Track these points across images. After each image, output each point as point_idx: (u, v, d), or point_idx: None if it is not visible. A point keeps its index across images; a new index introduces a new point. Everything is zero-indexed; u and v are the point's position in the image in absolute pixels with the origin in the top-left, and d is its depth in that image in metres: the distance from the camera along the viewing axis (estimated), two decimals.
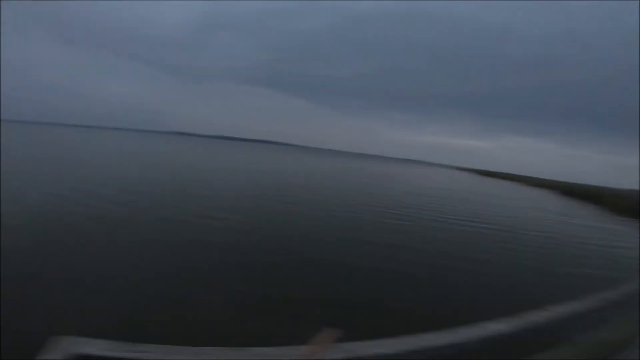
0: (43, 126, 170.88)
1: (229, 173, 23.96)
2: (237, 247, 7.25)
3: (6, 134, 49.62)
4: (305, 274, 6.11)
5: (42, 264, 5.51)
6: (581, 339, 2.10)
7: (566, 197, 36.75)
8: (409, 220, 12.02)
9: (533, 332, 1.83)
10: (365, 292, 5.61)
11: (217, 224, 8.78)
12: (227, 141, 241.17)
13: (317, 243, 8.10)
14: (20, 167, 16.05)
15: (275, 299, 4.97)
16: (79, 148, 35.30)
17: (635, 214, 22.44)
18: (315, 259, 6.97)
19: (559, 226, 14.99)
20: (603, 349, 2.02)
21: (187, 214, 9.54)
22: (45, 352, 1.17)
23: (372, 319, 4.68)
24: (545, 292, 6.37)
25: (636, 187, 47.02)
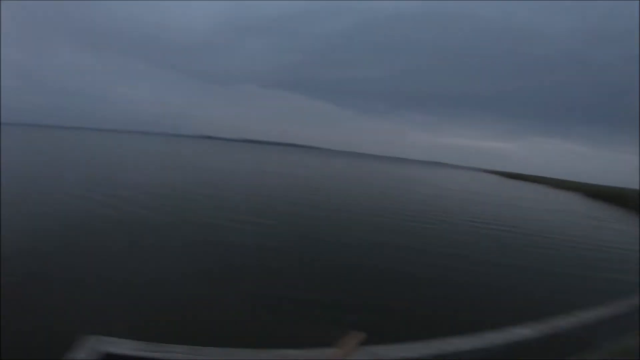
0: (70, 130, 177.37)
1: (252, 176, 25.08)
2: (262, 250, 7.45)
3: (31, 138, 52.59)
4: (330, 277, 6.25)
5: (63, 266, 5.73)
6: (607, 344, 2.06)
7: (591, 199, 36.81)
8: (435, 224, 12.20)
9: (559, 337, 1.82)
10: (390, 295, 5.70)
11: (240, 227, 9.03)
12: (251, 144, 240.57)
13: (342, 246, 8.27)
14: (42, 171, 17.11)
15: (299, 302, 5.06)
16: (103, 151, 36.98)
17: None
18: (340, 262, 7.16)
19: (583, 229, 15.00)
20: (629, 354, 2.00)
21: (211, 217, 9.94)
22: (73, 351, 1.22)
23: (397, 322, 4.70)
24: (571, 297, 6.36)
25: None
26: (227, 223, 9.32)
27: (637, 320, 2.17)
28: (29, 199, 10.29)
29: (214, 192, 14.76)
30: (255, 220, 9.94)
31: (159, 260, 6.31)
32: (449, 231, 11.30)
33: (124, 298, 4.79)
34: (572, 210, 23.92)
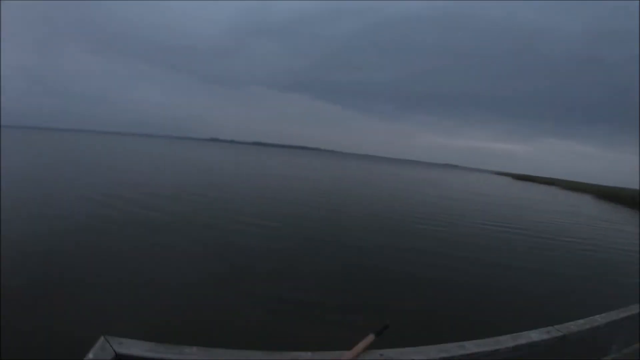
0: (77, 133, 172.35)
1: (259, 178, 25.35)
2: (271, 251, 7.51)
3: (39, 141, 53.06)
4: (339, 280, 6.27)
5: (71, 268, 5.80)
6: (619, 348, 2.07)
7: (602, 201, 36.72)
8: (444, 226, 12.17)
9: (571, 341, 1.79)
10: (396, 296, 5.76)
11: (248, 230, 9.09)
12: (260, 147, 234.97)
13: (350, 248, 8.32)
14: (49, 174, 17.16)
15: (310, 304, 5.10)
16: (110, 154, 37.41)
17: None
18: (349, 264, 7.19)
19: (593, 231, 14.85)
20: None
21: (220, 218, 10.07)
22: (90, 352, 1.21)
23: (409, 324, 4.60)
24: (582, 300, 6.36)
25: None
26: (235, 225, 9.42)
27: None
28: (42, 201, 10.50)
29: (222, 194, 14.94)
30: (264, 222, 10.03)
31: (167, 262, 6.42)
32: (459, 233, 11.29)
33: (133, 299, 4.89)
34: (582, 212, 23.81)
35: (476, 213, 16.66)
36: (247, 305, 4.98)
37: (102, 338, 1.27)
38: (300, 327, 4.49)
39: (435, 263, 7.73)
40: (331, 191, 20.50)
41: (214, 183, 18.98)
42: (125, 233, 7.93)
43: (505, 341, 1.64)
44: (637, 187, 43.11)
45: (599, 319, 1.97)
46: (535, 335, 1.71)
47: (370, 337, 1.54)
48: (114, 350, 1.23)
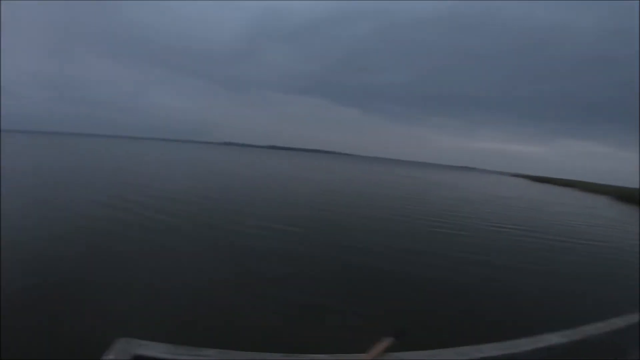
0: (97, 138, 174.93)
1: (278, 181, 25.43)
2: (290, 256, 7.53)
3: (58, 146, 54.23)
4: (357, 283, 6.30)
5: (89, 271, 5.89)
6: (638, 352, 2.02)
7: (621, 202, 36.53)
8: (465, 230, 12.09)
9: (588, 344, 1.77)
10: (420, 302, 5.73)
11: (267, 234, 9.15)
12: (276, 151, 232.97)
13: (367, 252, 8.29)
14: (67, 177, 17.66)
15: (328, 308, 5.13)
16: (129, 158, 38.10)
17: None
18: (366, 267, 7.19)
19: (613, 233, 14.92)
20: None
21: (238, 223, 10.10)
22: (107, 354, 1.23)
23: (426, 328, 4.66)
24: (598, 303, 6.31)
25: None
26: (254, 230, 9.47)
27: None
28: (55, 205, 10.77)
29: (237, 197, 15.25)
30: (279, 226, 10.12)
31: (185, 266, 6.50)
32: (476, 237, 11.31)
33: (152, 302, 4.95)
34: (600, 214, 23.74)
35: (495, 216, 16.71)
36: (262, 308, 5.03)
37: (120, 339, 1.31)
38: (316, 330, 4.51)
39: (453, 267, 7.72)
40: (345, 194, 20.81)
41: (227, 186, 19.37)
42: (138, 236, 8.12)
43: (523, 344, 1.64)
44: None
45: (619, 322, 1.93)
46: (553, 339, 1.70)
47: (387, 341, 1.57)
48: (132, 352, 1.27)
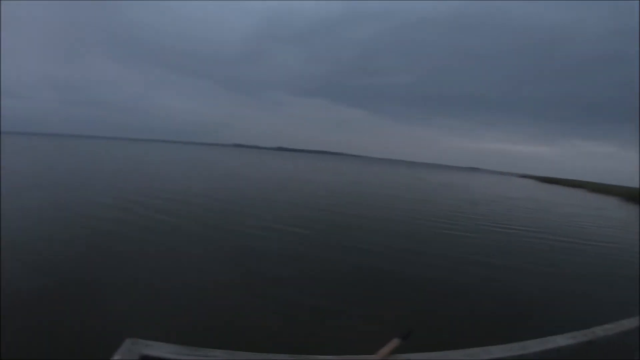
0: (107, 141, 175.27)
1: (286, 183, 25.46)
2: (296, 257, 7.52)
3: (68, 148, 54.73)
4: (364, 285, 6.26)
5: (97, 271, 5.91)
6: None
7: (630, 203, 36.37)
8: (473, 232, 11.98)
9: (597, 345, 1.75)
10: (429, 303, 5.69)
11: (273, 235, 9.13)
12: (284, 152, 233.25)
13: (375, 253, 8.24)
14: (77, 179, 17.65)
15: (335, 310, 5.09)
16: (139, 161, 38.08)
17: None
18: (374, 269, 7.15)
19: (624, 234, 14.73)
20: None
21: (247, 225, 10.01)
22: (116, 354, 1.23)
23: (435, 330, 4.59)
24: (606, 304, 6.26)
25: None
26: (260, 232, 9.42)
27: None
28: (64, 206, 10.82)
29: (245, 200, 15.06)
30: (290, 228, 10.03)
31: (190, 267, 6.50)
32: (486, 239, 11.17)
33: (159, 302, 4.95)
34: (609, 215, 23.62)
35: (503, 217, 16.61)
36: (272, 309, 5.02)
37: (127, 340, 1.31)
38: (323, 331, 4.51)
39: (461, 269, 7.66)
40: (352, 194, 20.78)
41: (236, 188, 19.39)
42: (143, 237, 8.12)
43: (532, 346, 1.62)
44: None
45: (627, 323, 1.91)
46: (562, 340, 1.69)
47: (395, 342, 1.56)
48: (140, 352, 1.27)
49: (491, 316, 5.50)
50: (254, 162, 55.45)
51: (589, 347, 1.74)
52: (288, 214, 12.43)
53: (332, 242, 9.07)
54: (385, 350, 1.51)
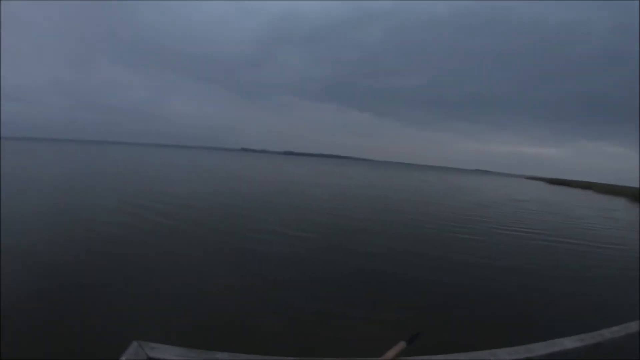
0: (114, 145, 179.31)
1: (293, 187, 25.41)
2: (301, 260, 7.49)
3: (76, 153, 55.34)
4: (368, 288, 6.21)
5: (103, 274, 5.91)
6: None
7: (638, 204, 36.09)
8: (483, 235, 11.84)
9: (611, 348, 1.74)
10: (426, 308, 5.62)
11: (278, 239, 9.07)
12: (293, 156, 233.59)
13: (380, 256, 8.20)
14: (85, 184, 17.82)
15: (341, 313, 5.06)
16: (148, 166, 38.04)
17: None
18: (378, 272, 7.10)
19: (633, 236, 14.39)
20: None
21: (252, 229, 9.92)
22: (123, 356, 1.24)
23: (442, 333, 4.60)
24: (622, 307, 6.15)
25: None
26: (264, 236, 9.37)
27: None
28: (69, 210, 10.95)
29: (251, 204, 15.00)
30: (293, 232, 9.98)
31: (192, 270, 6.51)
32: (493, 242, 11.07)
33: (165, 305, 4.96)
34: (618, 216, 23.37)
35: (512, 219, 16.45)
36: (274, 312, 5.00)
37: (134, 342, 1.31)
38: (331, 334, 4.47)
39: (471, 273, 7.55)
40: (358, 198, 20.78)
41: (244, 192, 19.37)
42: (149, 240, 8.16)
43: (538, 348, 1.61)
44: None
45: (635, 325, 1.89)
46: (568, 343, 1.68)
47: (401, 345, 1.55)
48: (147, 355, 1.27)
49: (497, 319, 5.45)
50: (261, 166, 55.86)
51: (596, 350, 1.71)
52: (295, 217, 12.47)
53: (336, 245, 9.05)
54: (391, 353, 1.51)
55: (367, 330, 4.60)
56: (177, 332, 4.20)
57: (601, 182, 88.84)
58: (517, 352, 1.58)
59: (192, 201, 14.31)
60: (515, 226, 14.34)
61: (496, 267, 8.08)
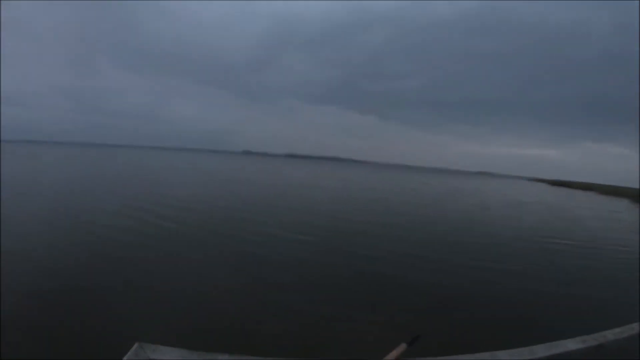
0: (115, 148, 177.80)
1: (295, 190, 25.23)
2: (303, 264, 7.48)
3: (79, 156, 55.65)
4: (369, 291, 6.19)
5: (107, 277, 5.93)
6: None
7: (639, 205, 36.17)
8: (475, 237, 11.71)
9: (613, 350, 1.72)
10: (429, 310, 5.59)
11: (279, 242, 9.05)
12: (295, 159, 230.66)
13: (381, 259, 8.17)
14: (89, 187, 17.95)
15: (343, 315, 5.04)
16: (151, 169, 38.14)
17: None
18: (379, 274, 7.08)
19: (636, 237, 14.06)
20: None
21: (255, 233, 9.88)
22: (125, 358, 1.23)
23: (441, 337, 4.49)
24: (624, 309, 6.05)
25: None
26: (264, 239, 9.37)
27: None
28: (71, 214, 10.99)
29: (256, 207, 14.92)
30: (294, 235, 9.95)
31: (195, 272, 6.54)
32: (493, 244, 10.91)
33: (166, 307, 4.97)
34: (621, 217, 23.51)
35: (517, 222, 16.40)
36: (274, 314, 5.00)
37: (136, 344, 1.31)
38: (333, 336, 4.48)
39: (471, 275, 7.49)
40: (360, 201, 20.75)
41: (244, 195, 19.37)
42: (151, 244, 8.13)
43: (540, 350, 1.60)
44: None
45: (637, 327, 1.87)
46: (571, 345, 1.67)
47: (402, 347, 1.55)
48: (148, 356, 1.27)
49: (498, 321, 5.44)
50: (262, 168, 55.88)
51: (598, 351, 1.70)
52: (295, 220, 12.45)
53: (336, 247, 9.05)
54: (392, 355, 1.50)
55: (368, 331, 4.57)
56: (178, 334, 4.18)
57: (603, 183, 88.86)
58: (519, 354, 1.57)
59: (192, 204, 14.29)
60: (516, 228, 14.30)
61: (496, 270, 8.00)
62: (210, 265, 7.05)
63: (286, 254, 8.06)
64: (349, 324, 4.83)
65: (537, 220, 17.46)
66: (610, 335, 1.79)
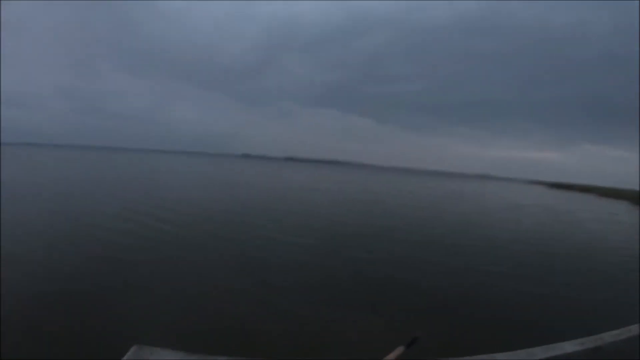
0: (115, 151, 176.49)
1: (296, 193, 25.25)
2: (303, 267, 7.44)
3: (79, 159, 55.54)
4: (370, 292, 6.20)
5: (114, 278, 5.96)
6: None
7: (638, 207, 36.13)
8: (474, 240, 11.58)
9: (611, 352, 1.72)
10: (431, 311, 5.59)
11: (281, 246, 9.00)
12: (294, 162, 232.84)
13: (380, 261, 8.17)
14: (90, 190, 17.85)
15: (343, 317, 5.04)
16: (151, 172, 38.06)
17: None
18: (382, 277, 7.07)
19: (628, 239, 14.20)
20: None
21: (257, 236, 9.85)
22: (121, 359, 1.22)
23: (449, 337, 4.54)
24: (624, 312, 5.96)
25: None
26: (264, 241, 9.36)
27: None
28: (71, 217, 10.97)
29: (255, 211, 14.87)
30: (293, 238, 9.92)
31: (195, 274, 6.52)
32: (491, 247, 10.88)
33: (166, 309, 4.97)
34: (620, 220, 23.55)
35: (516, 225, 16.36)
36: (273, 316, 5.00)
37: (134, 346, 1.31)
38: (333, 338, 4.48)
39: (470, 277, 7.51)
40: (359, 204, 20.79)
41: (243, 198, 19.36)
42: (151, 247, 8.16)
43: (538, 353, 1.60)
44: None
45: (635, 329, 1.88)
46: (568, 347, 1.67)
47: (400, 349, 1.55)
48: (146, 359, 1.27)
49: (498, 322, 5.46)
50: (261, 172, 55.97)
51: (596, 353, 1.71)
52: (294, 223, 12.47)
53: (335, 250, 9.08)
54: (390, 357, 1.50)
55: (366, 333, 4.59)
56: (177, 335, 4.18)
57: (602, 185, 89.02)
58: (517, 356, 1.58)
59: (192, 207, 14.35)
60: (513, 230, 14.34)
61: (494, 272, 7.99)
62: (210, 267, 7.04)
63: (285, 257, 8.06)
64: (349, 324, 4.83)
65: (535, 223, 17.48)
66: (608, 337, 1.80)
